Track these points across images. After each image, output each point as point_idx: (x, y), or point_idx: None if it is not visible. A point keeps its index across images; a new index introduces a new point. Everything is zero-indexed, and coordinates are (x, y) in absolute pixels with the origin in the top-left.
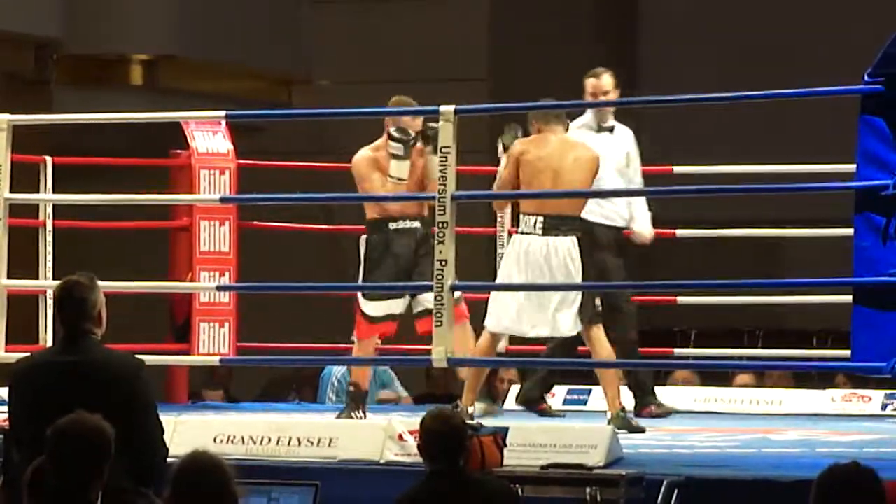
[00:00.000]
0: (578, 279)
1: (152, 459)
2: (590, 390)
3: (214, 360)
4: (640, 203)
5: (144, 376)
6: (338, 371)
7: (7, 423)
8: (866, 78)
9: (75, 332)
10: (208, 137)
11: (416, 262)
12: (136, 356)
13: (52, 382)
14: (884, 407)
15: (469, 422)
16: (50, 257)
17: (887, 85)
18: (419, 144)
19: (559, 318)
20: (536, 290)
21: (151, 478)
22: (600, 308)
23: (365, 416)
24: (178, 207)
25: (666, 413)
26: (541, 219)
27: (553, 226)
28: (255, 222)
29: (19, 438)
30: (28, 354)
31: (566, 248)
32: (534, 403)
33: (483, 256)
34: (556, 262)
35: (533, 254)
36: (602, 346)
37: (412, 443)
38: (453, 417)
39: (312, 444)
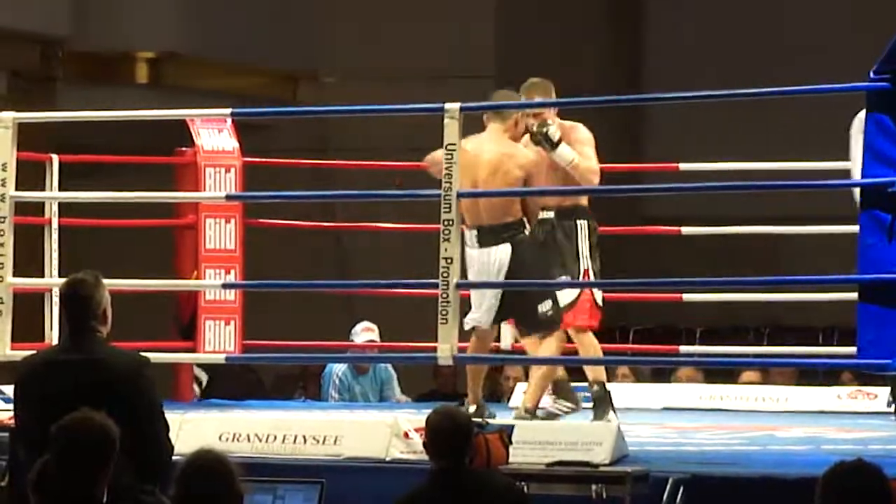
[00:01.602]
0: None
1: (158, 457)
2: None
3: (220, 358)
4: None
5: (149, 374)
6: (338, 369)
7: (12, 421)
8: (872, 75)
9: (80, 330)
10: (214, 135)
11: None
12: (141, 354)
13: (57, 380)
14: (889, 404)
15: (474, 419)
16: (55, 255)
17: (893, 82)
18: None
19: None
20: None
21: (157, 476)
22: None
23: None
24: (184, 205)
25: None
26: (475, 232)
27: (484, 237)
28: (260, 220)
29: (25, 437)
30: (33, 352)
31: (498, 258)
32: None
33: None
34: (491, 272)
35: (473, 266)
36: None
37: (418, 440)
38: (459, 415)
39: (318, 441)
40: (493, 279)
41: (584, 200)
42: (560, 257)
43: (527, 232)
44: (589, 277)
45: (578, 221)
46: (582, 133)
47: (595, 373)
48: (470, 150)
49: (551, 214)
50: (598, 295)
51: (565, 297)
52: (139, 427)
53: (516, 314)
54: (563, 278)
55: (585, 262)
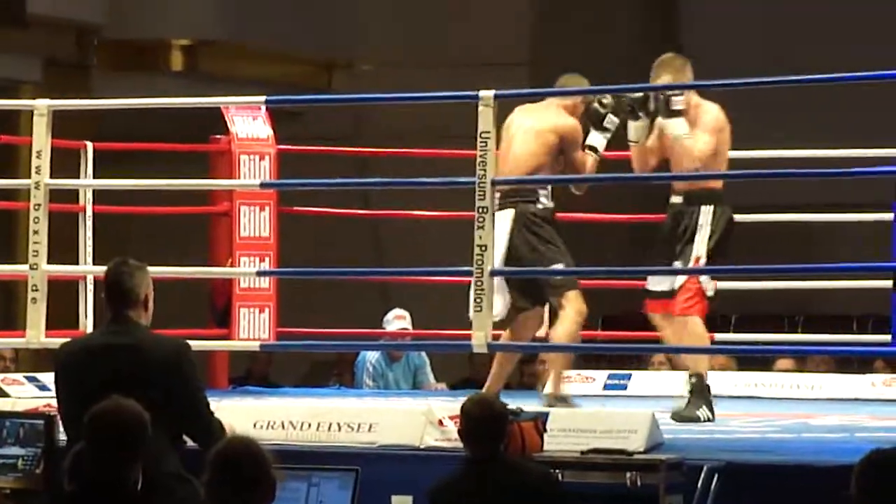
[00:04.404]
0: (501, 251)
1: (207, 440)
2: (629, 375)
3: (255, 346)
4: None
5: (191, 359)
6: (372, 356)
7: (47, 409)
8: None
9: (120, 316)
10: (248, 122)
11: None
12: (182, 339)
13: (97, 367)
14: None
15: (509, 407)
16: (90, 243)
17: None
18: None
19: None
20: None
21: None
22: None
23: (713, 416)
24: (218, 193)
25: None
26: (499, 193)
27: (501, 199)
28: (295, 207)
29: (66, 423)
30: (72, 339)
31: (500, 222)
32: None
33: None
34: (496, 237)
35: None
36: (566, 324)
37: (452, 428)
38: (494, 403)
39: (352, 429)
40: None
41: (715, 185)
42: (677, 244)
43: (541, 205)
44: (699, 265)
45: (703, 206)
46: (707, 116)
47: (694, 363)
48: (519, 113)
49: (680, 199)
50: (709, 284)
51: (671, 283)
52: (184, 412)
53: (522, 285)
54: (676, 265)
55: (700, 247)
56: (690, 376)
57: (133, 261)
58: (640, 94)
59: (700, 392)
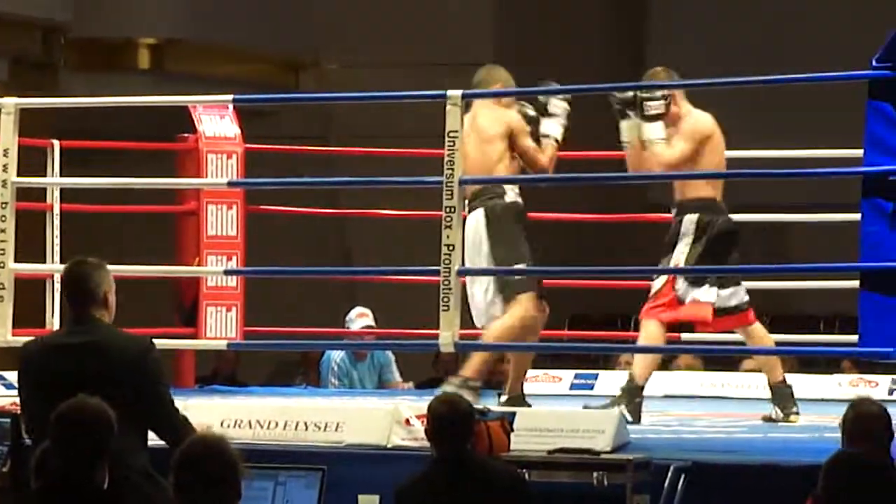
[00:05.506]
0: (484, 250)
1: (173, 437)
2: (596, 375)
3: (221, 345)
4: None
5: (155, 356)
6: (336, 355)
7: (15, 406)
8: (874, 63)
9: (82, 314)
10: (216, 121)
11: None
12: (146, 337)
13: (60, 365)
14: (891, 392)
15: (476, 406)
16: (57, 241)
17: (895, 70)
18: None
19: (488, 301)
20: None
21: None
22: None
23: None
24: (186, 191)
25: None
26: (467, 196)
27: (470, 201)
28: (262, 206)
29: (29, 422)
30: (36, 337)
31: (473, 221)
32: None
33: None
34: (467, 237)
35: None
36: (504, 322)
37: (419, 427)
38: (461, 402)
39: (319, 428)
40: (469, 248)
41: (704, 193)
42: (666, 254)
43: (509, 198)
44: (675, 276)
45: (687, 216)
46: (687, 124)
47: (634, 364)
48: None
49: (675, 211)
50: (688, 292)
51: (654, 285)
52: (150, 410)
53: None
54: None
55: (678, 256)
56: (629, 374)
57: (91, 259)
58: (629, 93)
59: (626, 392)
